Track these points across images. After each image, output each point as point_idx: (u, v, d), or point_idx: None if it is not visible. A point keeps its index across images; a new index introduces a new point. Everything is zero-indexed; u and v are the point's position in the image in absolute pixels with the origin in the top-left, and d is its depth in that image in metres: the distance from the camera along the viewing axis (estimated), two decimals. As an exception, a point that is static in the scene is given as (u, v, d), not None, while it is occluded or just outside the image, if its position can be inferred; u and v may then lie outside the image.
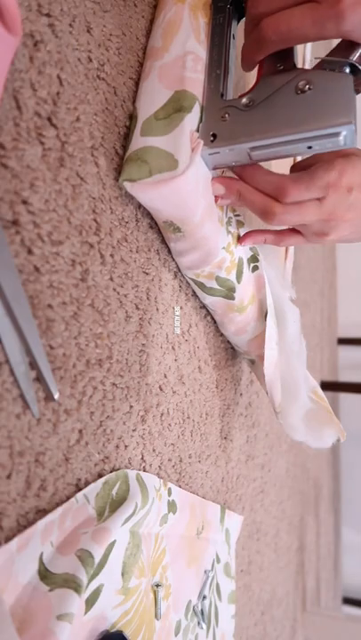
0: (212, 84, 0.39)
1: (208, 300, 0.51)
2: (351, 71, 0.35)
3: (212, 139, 0.38)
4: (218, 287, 0.48)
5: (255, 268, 0.51)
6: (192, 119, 0.38)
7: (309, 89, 0.35)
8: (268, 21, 0.33)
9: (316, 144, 0.36)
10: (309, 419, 0.57)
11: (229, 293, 0.49)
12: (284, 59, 0.37)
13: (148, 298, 0.42)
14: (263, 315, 0.54)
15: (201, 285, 0.49)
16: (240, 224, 0.49)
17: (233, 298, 0.50)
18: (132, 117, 0.39)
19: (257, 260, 0.51)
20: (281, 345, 0.55)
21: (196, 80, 0.39)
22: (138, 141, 0.37)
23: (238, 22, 0.43)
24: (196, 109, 0.38)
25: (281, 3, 0.33)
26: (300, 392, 0.56)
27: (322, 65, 0.36)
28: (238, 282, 0.49)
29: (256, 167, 0.41)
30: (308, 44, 0.80)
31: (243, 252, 0.49)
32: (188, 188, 0.37)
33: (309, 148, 0.37)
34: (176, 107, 0.38)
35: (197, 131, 0.38)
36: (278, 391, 0.53)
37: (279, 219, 0.40)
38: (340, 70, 0.35)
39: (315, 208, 0.39)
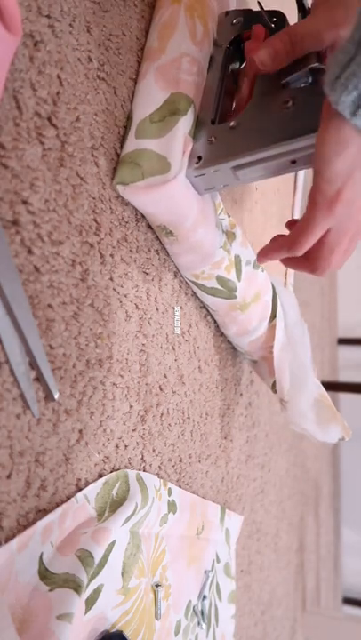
0: (204, 111, 0.40)
1: (209, 300, 0.51)
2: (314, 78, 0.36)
3: (196, 161, 0.38)
4: (219, 287, 0.48)
5: (248, 263, 0.51)
6: (186, 122, 0.38)
7: (293, 104, 0.35)
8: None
9: (299, 157, 0.36)
10: (318, 407, 0.57)
11: (231, 293, 0.49)
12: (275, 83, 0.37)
13: (148, 298, 0.42)
14: (266, 316, 0.54)
15: (202, 287, 0.49)
16: (232, 225, 0.49)
17: (235, 297, 0.50)
18: (128, 118, 0.39)
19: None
20: (285, 330, 0.56)
21: (191, 83, 0.39)
22: (132, 143, 0.37)
23: (240, 63, 0.44)
24: (191, 112, 0.38)
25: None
26: (308, 377, 0.57)
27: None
28: (238, 279, 0.49)
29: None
30: None
31: (238, 249, 0.49)
32: (180, 192, 0.37)
33: (293, 162, 0.37)
34: (172, 109, 0.38)
35: (189, 134, 0.38)
36: (287, 378, 0.54)
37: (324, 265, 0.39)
38: (319, 82, 0.35)
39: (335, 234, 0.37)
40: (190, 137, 0.38)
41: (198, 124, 0.39)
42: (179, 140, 0.37)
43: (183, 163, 0.37)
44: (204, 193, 0.41)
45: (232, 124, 0.37)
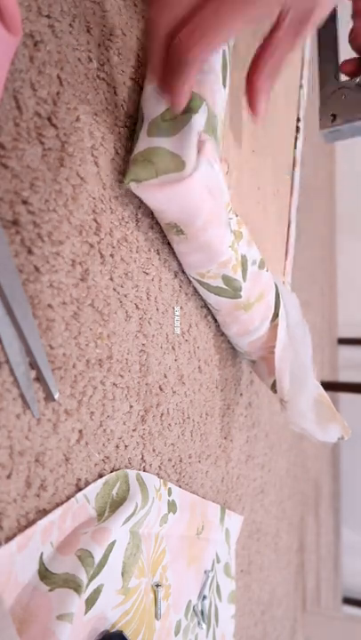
0: (325, 67, 0.41)
1: (213, 299, 0.51)
2: None
3: (332, 118, 0.40)
4: (224, 286, 0.48)
5: (254, 263, 0.51)
6: (199, 120, 0.37)
7: None
8: (182, 37, 0.28)
9: None
10: (318, 407, 0.57)
11: (236, 293, 0.49)
12: None
13: (148, 298, 0.42)
14: (268, 316, 0.54)
15: (206, 285, 0.49)
16: (240, 224, 0.49)
17: (240, 296, 0.50)
18: (136, 117, 0.39)
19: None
20: (287, 331, 0.56)
21: (201, 81, 0.39)
22: (144, 142, 0.37)
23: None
24: (203, 110, 0.38)
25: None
26: (308, 378, 0.57)
27: None
28: (244, 279, 0.49)
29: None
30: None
31: (245, 248, 0.49)
32: (194, 190, 0.37)
33: None
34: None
35: (204, 132, 0.38)
36: (287, 378, 0.54)
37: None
38: None
39: None
40: (206, 134, 0.38)
41: (323, 82, 0.40)
42: (192, 139, 0.37)
43: (198, 161, 0.37)
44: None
45: (358, 80, 0.39)
